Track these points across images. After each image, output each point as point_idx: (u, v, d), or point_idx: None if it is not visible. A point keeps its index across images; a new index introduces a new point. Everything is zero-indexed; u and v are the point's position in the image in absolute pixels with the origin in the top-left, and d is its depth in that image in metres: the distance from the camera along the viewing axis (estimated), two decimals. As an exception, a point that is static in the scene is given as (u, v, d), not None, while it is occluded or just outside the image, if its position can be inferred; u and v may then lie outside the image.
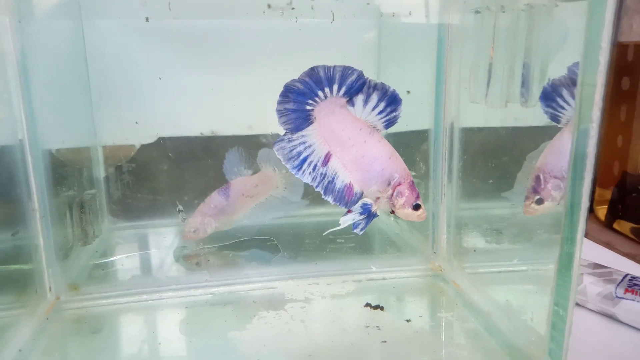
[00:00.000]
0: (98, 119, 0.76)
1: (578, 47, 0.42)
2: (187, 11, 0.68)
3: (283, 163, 0.49)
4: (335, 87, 0.48)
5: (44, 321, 0.59)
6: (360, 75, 0.48)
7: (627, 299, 0.61)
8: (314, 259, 0.72)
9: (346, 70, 0.48)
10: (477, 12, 0.56)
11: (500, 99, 0.52)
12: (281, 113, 0.49)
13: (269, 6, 0.61)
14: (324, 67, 0.47)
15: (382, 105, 0.48)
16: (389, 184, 0.50)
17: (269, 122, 0.77)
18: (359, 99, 0.48)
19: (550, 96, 0.52)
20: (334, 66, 0.47)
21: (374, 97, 0.48)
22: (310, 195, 0.84)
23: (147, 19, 0.65)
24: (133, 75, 0.74)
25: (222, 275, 0.68)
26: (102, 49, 0.73)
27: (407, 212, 0.50)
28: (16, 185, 0.59)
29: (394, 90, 0.48)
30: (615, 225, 0.99)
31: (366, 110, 0.49)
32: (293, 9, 0.61)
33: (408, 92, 0.49)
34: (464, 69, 0.62)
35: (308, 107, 0.48)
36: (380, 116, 0.49)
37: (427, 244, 0.73)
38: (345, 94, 0.48)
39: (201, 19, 0.72)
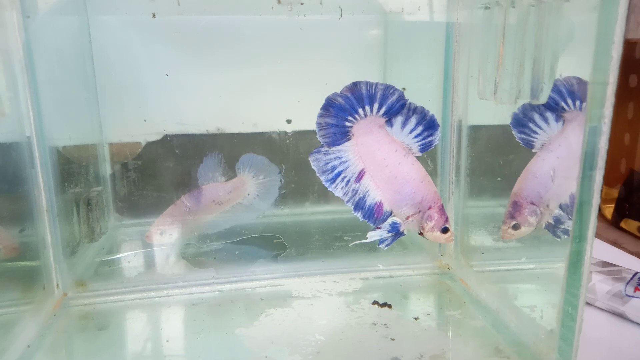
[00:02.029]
0: (104, 116, 0.76)
1: (587, 42, 0.41)
2: (194, 7, 0.68)
3: (317, 175, 0.50)
4: (375, 105, 0.49)
5: (52, 317, 0.59)
6: (401, 96, 0.49)
7: (636, 297, 0.60)
8: (320, 257, 0.72)
9: (388, 90, 0.48)
10: (486, 7, 0.56)
11: (509, 95, 0.52)
12: (320, 126, 0.49)
13: (278, 1, 0.61)
14: (367, 83, 0.48)
15: (419, 129, 0.49)
16: (418, 207, 0.50)
17: (274, 120, 0.77)
18: (398, 120, 0.49)
19: (522, 121, 0.53)
20: (376, 84, 0.48)
21: (413, 120, 0.49)
22: (316, 194, 0.84)
23: (153, 15, 0.64)
24: (139, 72, 0.74)
25: (228, 273, 0.68)
26: (108, 46, 0.73)
27: (436, 235, 0.51)
28: (24, 182, 0.59)
29: (433, 115, 0.49)
30: (622, 224, 0.98)
31: (403, 133, 0.50)
32: (302, 4, 0.61)
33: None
34: (472, 65, 0.62)
35: (347, 124, 0.49)
36: (416, 139, 0.50)
37: (434, 241, 0.73)
38: (384, 114, 0.49)
39: (208, 14, 0.71)
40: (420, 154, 0.51)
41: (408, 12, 0.70)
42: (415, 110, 0.49)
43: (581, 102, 0.49)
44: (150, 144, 0.76)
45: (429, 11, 0.68)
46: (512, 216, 0.53)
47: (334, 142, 0.50)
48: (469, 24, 0.64)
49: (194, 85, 0.75)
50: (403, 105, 0.49)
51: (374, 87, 0.48)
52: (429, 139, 0.50)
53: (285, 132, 0.77)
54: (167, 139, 0.76)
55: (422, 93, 0.65)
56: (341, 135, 0.50)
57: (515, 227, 0.53)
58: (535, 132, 0.52)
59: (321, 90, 0.75)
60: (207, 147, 0.79)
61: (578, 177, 0.44)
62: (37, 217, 0.61)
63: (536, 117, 0.52)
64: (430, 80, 0.69)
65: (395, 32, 0.77)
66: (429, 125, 0.49)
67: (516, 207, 0.53)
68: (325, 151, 0.50)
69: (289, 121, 0.76)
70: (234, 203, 0.70)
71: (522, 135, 0.53)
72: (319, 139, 0.50)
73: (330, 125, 0.49)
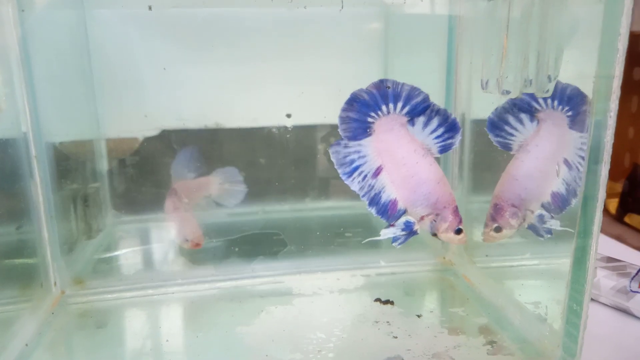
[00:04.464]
0: (101, 111, 0.75)
1: (592, 35, 0.41)
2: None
3: (335, 167, 0.50)
4: (399, 104, 0.49)
5: (50, 315, 0.59)
6: (426, 98, 0.49)
7: (642, 293, 0.60)
8: (321, 253, 0.72)
9: (413, 91, 0.48)
10: (489, -1, 0.55)
11: (513, 88, 0.51)
12: (343, 120, 0.49)
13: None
14: (393, 81, 0.48)
15: (440, 130, 0.49)
16: (433, 207, 0.51)
17: (274, 115, 0.76)
18: (420, 121, 0.49)
19: (497, 125, 0.53)
20: (403, 83, 0.48)
21: (435, 122, 0.49)
22: (316, 189, 0.83)
23: (149, 7, 0.63)
24: (136, 67, 0.73)
25: (228, 270, 0.68)
26: (104, 40, 0.72)
27: (450, 236, 0.51)
28: (20, 179, 0.58)
29: (455, 118, 0.49)
30: (626, 219, 0.98)
31: (424, 133, 0.50)
32: (302, -4, 0.60)
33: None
34: (475, 58, 0.61)
35: (369, 120, 0.49)
36: (436, 140, 0.50)
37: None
38: (407, 113, 0.49)
39: (206, 7, 0.71)
40: (439, 155, 0.51)
41: (410, 4, 0.69)
42: (438, 112, 0.49)
43: (553, 101, 0.49)
44: (148, 140, 0.76)
45: (431, 3, 0.67)
46: (493, 219, 0.53)
47: (355, 137, 0.50)
48: (472, 16, 0.63)
49: (192, 79, 0.74)
50: (427, 107, 0.49)
51: (400, 86, 0.48)
52: (449, 141, 0.50)
53: (285, 127, 0.77)
54: (165, 134, 0.75)
55: (425, 87, 0.64)
56: (362, 130, 0.50)
57: (497, 229, 0.53)
58: (512, 135, 0.53)
59: (321, 84, 0.75)
60: (205, 142, 0.78)
61: (583, 172, 0.43)
62: (34, 214, 0.60)
63: (511, 119, 0.52)
64: (432, 73, 0.68)
65: (397, 24, 0.76)
66: (450, 127, 0.49)
67: (497, 209, 0.53)
68: (345, 144, 0.50)
69: (288, 116, 0.75)
70: (195, 202, 0.70)
71: (499, 139, 0.53)
72: (340, 133, 0.50)
73: (352, 120, 0.49)
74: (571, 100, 0.48)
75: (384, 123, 0.49)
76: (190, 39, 0.73)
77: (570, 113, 0.48)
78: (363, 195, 0.51)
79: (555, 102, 0.49)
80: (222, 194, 0.70)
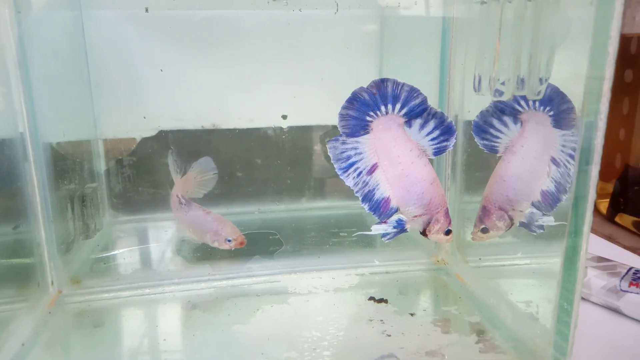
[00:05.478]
0: (98, 111, 0.75)
1: (583, 37, 0.41)
2: (189, 1, 0.67)
3: (332, 162, 0.51)
4: (398, 105, 0.50)
5: (47, 315, 0.59)
6: (424, 101, 0.50)
7: (631, 292, 0.61)
8: (316, 253, 0.72)
9: (412, 92, 0.49)
10: (482, 2, 0.55)
11: (506, 90, 0.52)
12: (342, 117, 0.51)
13: (274, -4, 0.60)
14: (393, 81, 0.49)
15: (436, 132, 0.50)
16: (426, 208, 0.52)
17: (270, 116, 0.77)
18: (417, 122, 0.50)
19: (482, 128, 0.54)
20: (403, 84, 0.49)
21: (431, 124, 0.50)
22: (312, 189, 0.84)
23: (146, 10, 0.64)
24: (134, 68, 0.74)
25: (224, 269, 0.68)
26: (102, 40, 0.72)
27: (439, 237, 0.53)
28: (17, 179, 0.58)
29: (451, 122, 0.50)
30: (617, 219, 0.99)
31: (420, 134, 0.51)
32: (298, -2, 0.61)
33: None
34: (468, 60, 0.62)
35: (368, 118, 0.50)
36: (432, 142, 0.51)
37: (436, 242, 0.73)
38: (405, 114, 0.50)
39: (203, 9, 0.71)
40: (433, 157, 0.52)
41: (404, 6, 0.70)
42: (435, 114, 0.50)
43: (534, 102, 0.50)
44: (145, 140, 0.76)
45: (425, 6, 0.67)
46: (481, 220, 0.55)
47: (353, 134, 0.51)
48: (465, 18, 0.64)
49: (189, 80, 0.75)
50: (424, 110, 0.50)
51: (399, 87, 0.49)
52: (444, 143, 0.51)
53: (281, 128, 0.77)
54: (162, 135, 0.75)
55: (419, 88, 0.65)
56: (360, 128, 0.51)
57: (484, 230, 0.55)
58: (497, 137, 0.54)
59: (317, 86, 0.76)
60: (202, 143, 0.78)
61: (574, 172, 0.44)
62: (31, 214, 0.60)
63: (495, 122, 0.53)
64: (426, 75, 0.69)
65: (392, 26, 0.77)
66: (446, 130, 0.50)
67: (485, 212, 0.54)
68: (343, 141, 0.51)
69: (284, 117, 0.76)
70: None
71: (485, 142, 0.54)
72: (339, 129, 0.51)
73: (351, 118, 0.50)
74: (552, 100, 0.49)
75: (382, 122, 0.50)
76: (187, 40, 0.73)
77: (551, 112, 0.49)
78: (357, 191, 0.51)
79: (537, 103, 0.50)
80: (195, 188, 0.70)
